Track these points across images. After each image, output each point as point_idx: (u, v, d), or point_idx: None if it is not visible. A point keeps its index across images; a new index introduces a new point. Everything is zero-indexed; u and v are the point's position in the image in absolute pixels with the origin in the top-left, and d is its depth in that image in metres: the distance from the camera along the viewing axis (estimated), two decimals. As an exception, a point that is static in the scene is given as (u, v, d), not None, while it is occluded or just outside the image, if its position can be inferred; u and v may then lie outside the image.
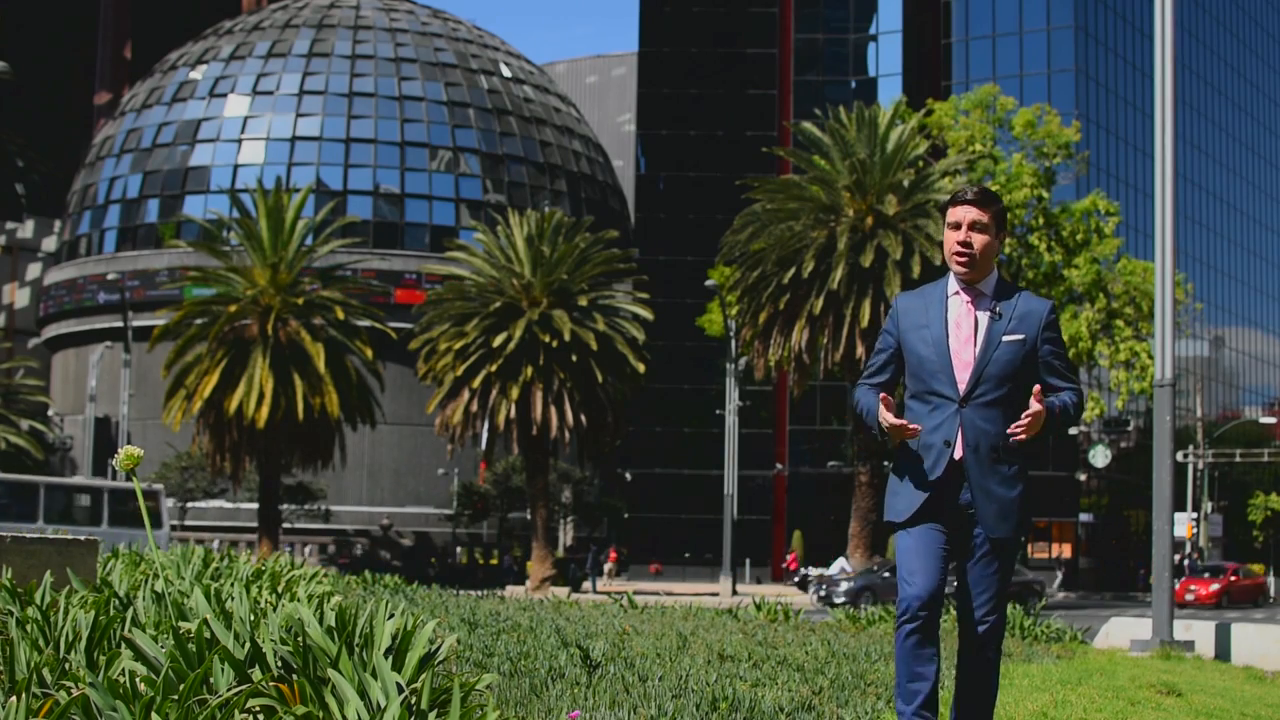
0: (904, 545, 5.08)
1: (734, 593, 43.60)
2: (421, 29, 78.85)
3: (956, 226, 5.08)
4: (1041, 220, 45.40)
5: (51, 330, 78.05)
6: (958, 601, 5.13)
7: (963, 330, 5.04)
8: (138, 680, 4.10)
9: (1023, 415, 4.89)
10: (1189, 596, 46.04)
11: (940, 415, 5.01)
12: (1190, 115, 78.26)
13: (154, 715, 3.71)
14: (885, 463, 41.39)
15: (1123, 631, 16.60)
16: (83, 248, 76.29)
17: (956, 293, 5.12)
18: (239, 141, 73.13)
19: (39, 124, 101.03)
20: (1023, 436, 4.89)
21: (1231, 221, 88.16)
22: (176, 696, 3.82)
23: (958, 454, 4.98)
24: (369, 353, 44.31)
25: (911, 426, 4.96)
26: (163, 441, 59.71)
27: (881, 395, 5.01)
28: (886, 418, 4.98)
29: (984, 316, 5.03)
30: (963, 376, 5.00)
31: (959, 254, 5.07)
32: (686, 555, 71.13)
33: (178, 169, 73.56)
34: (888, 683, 8.02)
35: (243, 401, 41.89)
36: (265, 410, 41.63)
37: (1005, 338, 5.00)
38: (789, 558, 63.10)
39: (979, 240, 5.06)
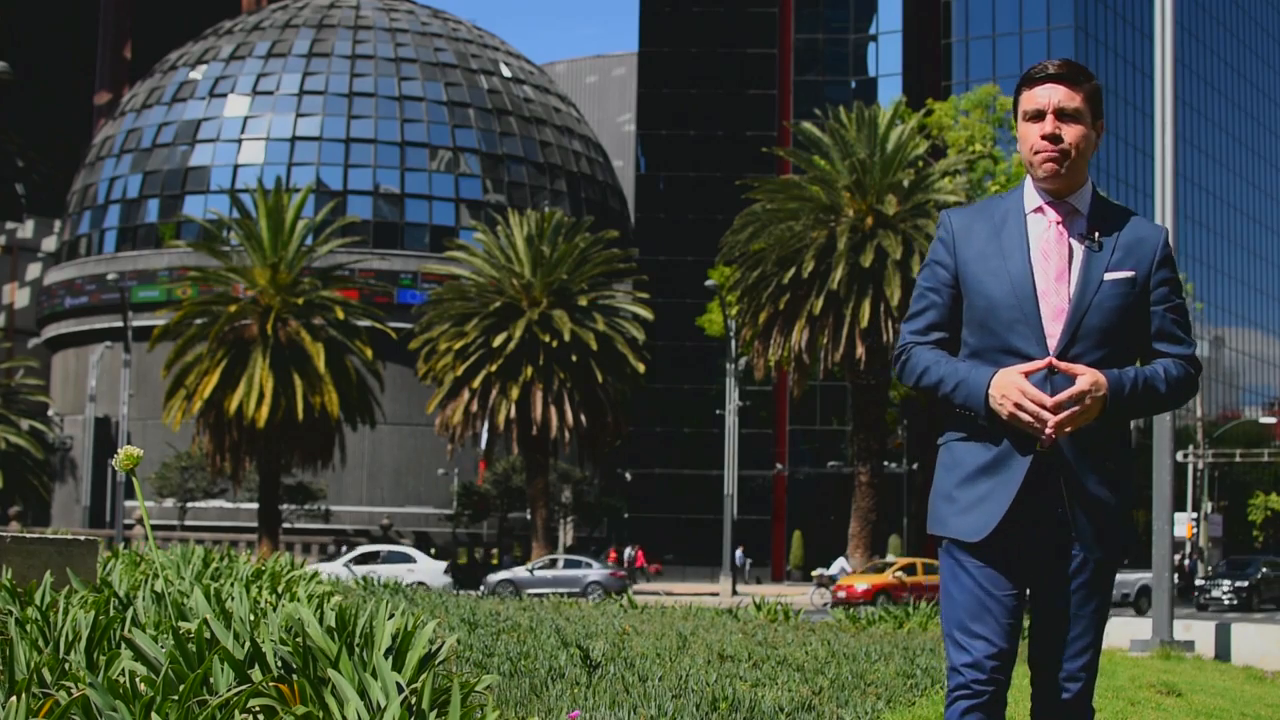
0: (960, 584, 3.61)
1: (734, 593, 43.59)
2: (421, 29, 78.85)
3: (1038, 116, 3.62)
4: (1041, 220, 45.39)
5: (51, 330, 78.07)
6: (1034, 649, 3.68)
7: (1052, 263, 3.60)
8: (138, 680, 4.10)
9: (1066, 393, 3.47)
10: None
11: None
12: (1190, 115, 78.27)
13: (154, 715, 3.71)
14: (885, 463, 41.39)
15: (1122, 631, 16.59)
16: (83, 248, 76.33)
17: (1039, 209, 3.66)
18: (239, 141, 73.14)
19: (39, 124, 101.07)
20: (1052, 434, 3.48)
21: (1231, 221, 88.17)
22: (176, 696, 3.82)
23: (1048, 439, 3.54)
24: (369, 353, 44.32)
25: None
26: (163, 441, 59.70)
27: (1012, 368, 3.49)
28: (1034, 395, 3.46)
29: (1080, 244, 3.61)
30: (1054, 329, 3.56)
31: (1046, 152, 3.60)
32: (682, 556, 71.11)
33: (178, 169, 73.59)
34: (888, 683, 8.02)
35: (243, 401, 41.89)
36: (265, 410, 41.64)
37: (1109, 275, 3.58)
38: (637, 554, 63.84)
39: (1072, 132, 3.59)
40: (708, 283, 49.89)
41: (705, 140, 75.80)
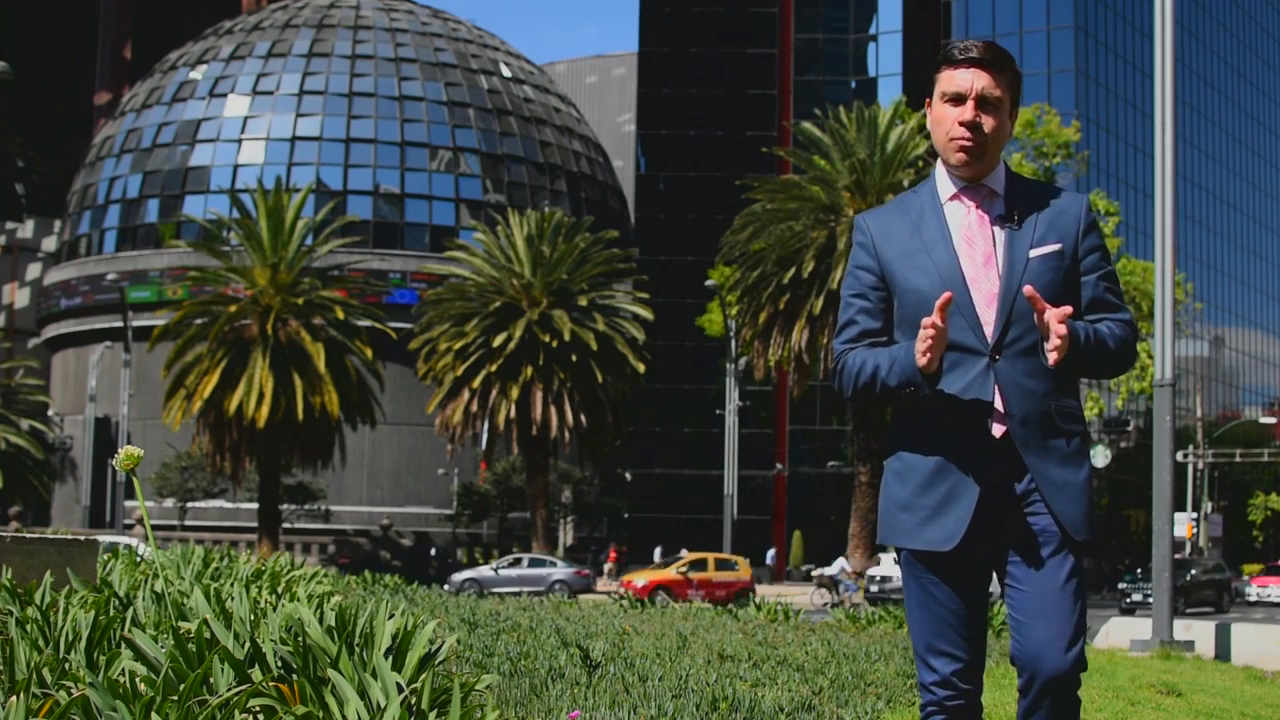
0: (921, 602, 3.51)
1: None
2: (421, 29, 78.86)
3: (958, 99, 3.52)
4: (1041, 220, 45.42)
5: (51, 330, 78.10)
6: (1016, 643, 3.45)
7: (978, 249, 3.47)
8: (138, 680, 4.10)
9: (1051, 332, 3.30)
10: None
11: (963, 377, 3.42)
12: (1190, 115, 78.29)
13: (154, 715, 3.70)
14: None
15: (1123, 631, 16.60)
16: (83, 248, 76.35)
17: (955, 197, 3.55)
18: (239, 141, 73.16)
19: (39, 124, 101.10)
20: (1056, 356, 3.28)
21: (1231, 221, 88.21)
22: (176, 696, 3.82)
23: (998, 430, 3.41)
24: (369, 353, 44.32)
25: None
26: (163, 441, 59.72)
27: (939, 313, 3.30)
28: (931, 320, 3.33)
29: (1001, 227, 3.49)
30: (988, 315, 3.42)
31: (963, 139, 3.49)
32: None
33: (178, 169, 73.60)
34: (888, 683, 8.01)
35: (243, 401, 41.90)
36: (265, 410, 41.65)
37: (1034, 252, 3.44)
38: (610, 553, 63.76)
39: (990, 122, 3.48)
40: (708, 283, 49.92)
41: (705, 140, 75.84)
